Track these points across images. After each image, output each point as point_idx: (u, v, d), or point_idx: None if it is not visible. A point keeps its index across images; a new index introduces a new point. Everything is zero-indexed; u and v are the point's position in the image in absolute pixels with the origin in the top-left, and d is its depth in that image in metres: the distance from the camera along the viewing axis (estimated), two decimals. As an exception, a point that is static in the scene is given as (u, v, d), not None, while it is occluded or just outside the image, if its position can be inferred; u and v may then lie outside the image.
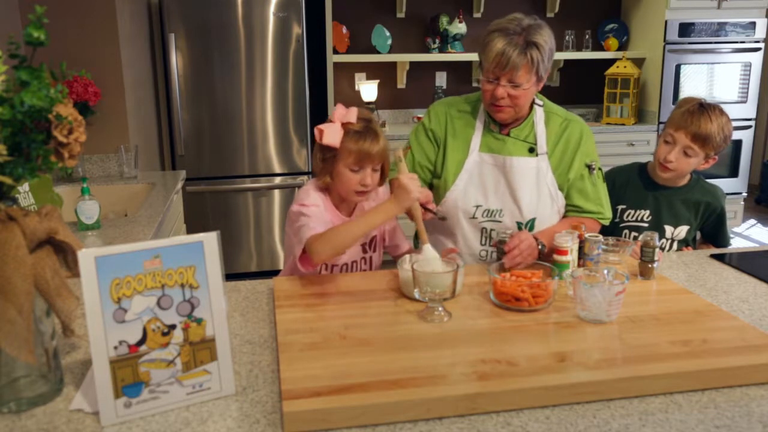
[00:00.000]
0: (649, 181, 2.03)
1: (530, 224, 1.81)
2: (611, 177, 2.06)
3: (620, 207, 2.03)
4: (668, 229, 2.00)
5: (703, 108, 1.90)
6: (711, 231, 2.07)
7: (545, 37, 1.68)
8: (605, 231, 1.93)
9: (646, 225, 2.00)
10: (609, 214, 1.89)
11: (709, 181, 2.08)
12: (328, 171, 1.62)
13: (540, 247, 1.62)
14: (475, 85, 4.74)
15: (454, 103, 1.91)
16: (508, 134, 1.83)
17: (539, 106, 1.85)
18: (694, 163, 1.93)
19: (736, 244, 4.57)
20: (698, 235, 2.10)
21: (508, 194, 1.81)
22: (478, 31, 1.78)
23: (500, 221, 1.82)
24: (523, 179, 1.80)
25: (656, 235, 1.57)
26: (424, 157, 1.87)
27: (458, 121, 1.86)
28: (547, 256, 1.61)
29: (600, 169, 1.87)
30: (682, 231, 2.00)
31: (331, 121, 1.58)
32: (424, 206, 1.61)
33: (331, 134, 1.56)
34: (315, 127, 1.60)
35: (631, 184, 2.04)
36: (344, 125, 1.58)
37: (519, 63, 1.65)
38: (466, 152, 1.83)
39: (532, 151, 1.81)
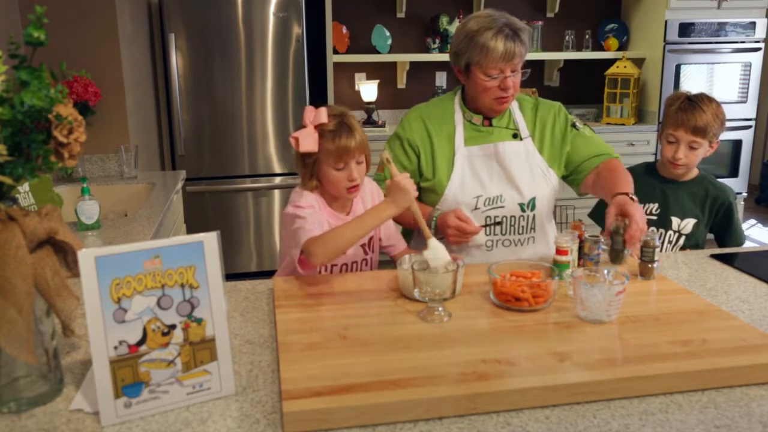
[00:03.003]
0: (658, 177, 2.15)
1: (531, 203, 1.86)
2: None
3: None
4: (675, 221, 2.08)
5: (693, 101, 2.05)
6: (721, 227, 2.12)
7: (521, 22, 1.79)
8: None
9: (654, 218, 2.09)
10: (615, 152, 1.95)
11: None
12: (313, 175, 1.63)
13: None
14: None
15: (425, 106, 1.96)
16: (490, 124, 1.88)
17: None
18: (701, 153, 2.07)
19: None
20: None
21: (504, 178, 1.85)
22: (478, 31, 1.82)
23: (502, 206, 1.85)
24: (515, 161, 1.85)
25: (656, 235, 1.58)
26: (400, 167, 1.88)
27: (436, 121, 1.90)
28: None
29: (585, 124, 1.95)
30: (689, 224, 2.08)
31: (304, 126, 1.58)
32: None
33: (306, 140, 1.56)
34: (290, 136, 1.59)
35: (641, 180, 2.10)
36: (317, 127, 1.58)
37: (520, 51, 1.75)
38: (452, 149, 1.86)
39: (515, 136, 1.88)
